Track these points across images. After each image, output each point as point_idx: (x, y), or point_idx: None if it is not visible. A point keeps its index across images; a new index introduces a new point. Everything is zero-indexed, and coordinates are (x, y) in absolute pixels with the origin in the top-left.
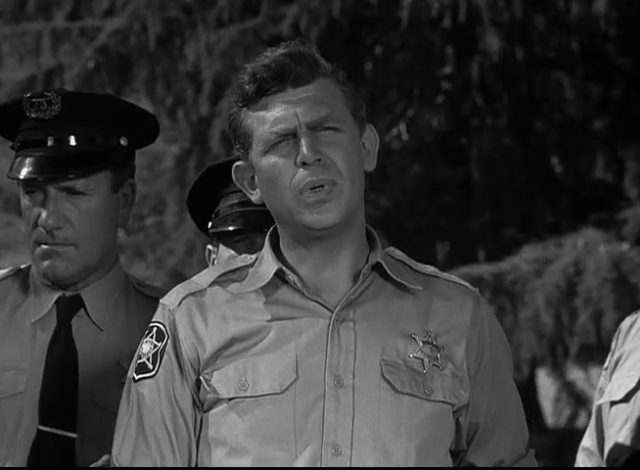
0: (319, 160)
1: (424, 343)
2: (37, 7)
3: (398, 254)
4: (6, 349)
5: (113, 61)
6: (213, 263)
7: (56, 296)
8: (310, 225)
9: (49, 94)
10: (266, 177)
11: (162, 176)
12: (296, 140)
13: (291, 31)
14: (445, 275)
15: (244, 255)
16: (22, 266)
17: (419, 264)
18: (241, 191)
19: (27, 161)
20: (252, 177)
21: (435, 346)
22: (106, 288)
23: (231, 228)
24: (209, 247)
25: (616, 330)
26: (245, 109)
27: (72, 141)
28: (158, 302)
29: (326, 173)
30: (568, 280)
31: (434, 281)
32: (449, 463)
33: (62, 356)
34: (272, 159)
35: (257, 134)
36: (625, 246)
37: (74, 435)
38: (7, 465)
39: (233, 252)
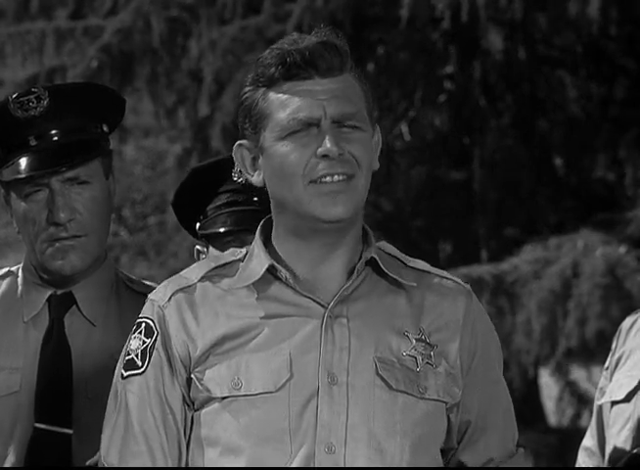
0: (341, 154)
1: (417, 340)
2: (40, 6)
3: (390, 248)
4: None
5: (116, 60)
6: None
7: (47, 294)
8: (319, 217)
9: (36, 90)
10: (277, 162)
11: (165, 176)
12: (318, 131)
13: (294, 31)
14: (437, 271)
15: (233, 249)
16: (13, 268)
17: (411, 259)
18: (228, 192)
19: (24, 160)
20: (254, 158)
21: (429, 343)
22: (97, 284)
23: (222, 230)
24: (198, 247)
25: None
26: (264, 89)
27: (68, 132)
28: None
29: (345, 168)
30: (564, 282)
31: (426, 277)
32: (440, 462)
33: (55, 354)
34: (288, 146)
35: (275, 118)
36: (622, 249)
37: (71, 431)
38: (5, 464)
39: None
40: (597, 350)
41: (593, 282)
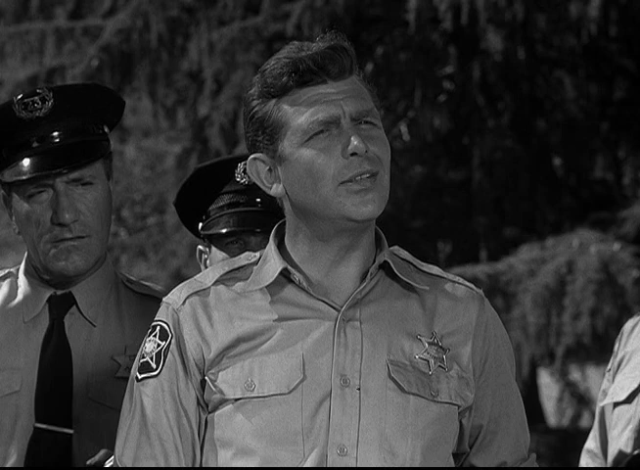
0: (367, 152)
1: (429, 344)
2: (40, 6)
3: (404, 253)
4: (0, 349)
5: (116, 59)
6: (205, 264)
7: (47, 294)
8: (350, 217)
9: (41, 91)
10: (303, 168)
11: (164, 176)
12: (338, 131)
13: (294, 30)
14: (450, 276)
15: (247, 252)
16: (12, 269)
17: (424, 264)
18: (230, 192)
19: (28, 160)
20: (270, 170)
21: (441, 347)
22: (97, 284)
23: (224, 230)
24: (200, 247)
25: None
26: (275, 100)
27: (71, 133)
28: (146, 298)
29: (372, 165)
30: (559, 280)
31: (439, 282)
32: (452, 464)
33: (55, 354)
34: (312, 149)
35: (294, 125)
36: (617, 246)
37: (71, 431)
38: (5, 464)
39: (225, 254)
40: (591, 346)
41: (587, 277)
